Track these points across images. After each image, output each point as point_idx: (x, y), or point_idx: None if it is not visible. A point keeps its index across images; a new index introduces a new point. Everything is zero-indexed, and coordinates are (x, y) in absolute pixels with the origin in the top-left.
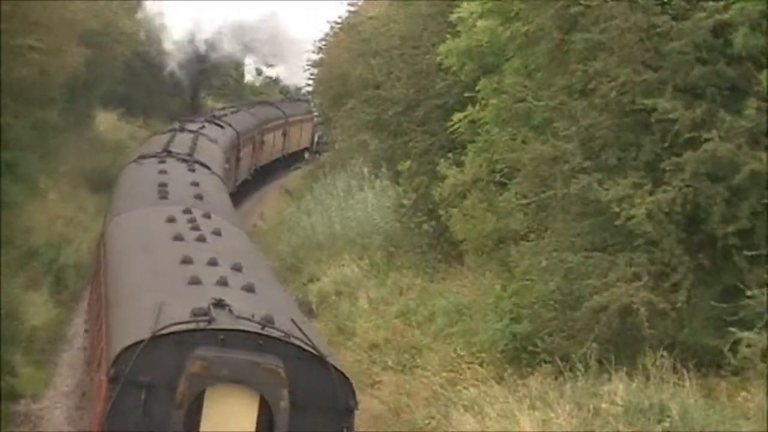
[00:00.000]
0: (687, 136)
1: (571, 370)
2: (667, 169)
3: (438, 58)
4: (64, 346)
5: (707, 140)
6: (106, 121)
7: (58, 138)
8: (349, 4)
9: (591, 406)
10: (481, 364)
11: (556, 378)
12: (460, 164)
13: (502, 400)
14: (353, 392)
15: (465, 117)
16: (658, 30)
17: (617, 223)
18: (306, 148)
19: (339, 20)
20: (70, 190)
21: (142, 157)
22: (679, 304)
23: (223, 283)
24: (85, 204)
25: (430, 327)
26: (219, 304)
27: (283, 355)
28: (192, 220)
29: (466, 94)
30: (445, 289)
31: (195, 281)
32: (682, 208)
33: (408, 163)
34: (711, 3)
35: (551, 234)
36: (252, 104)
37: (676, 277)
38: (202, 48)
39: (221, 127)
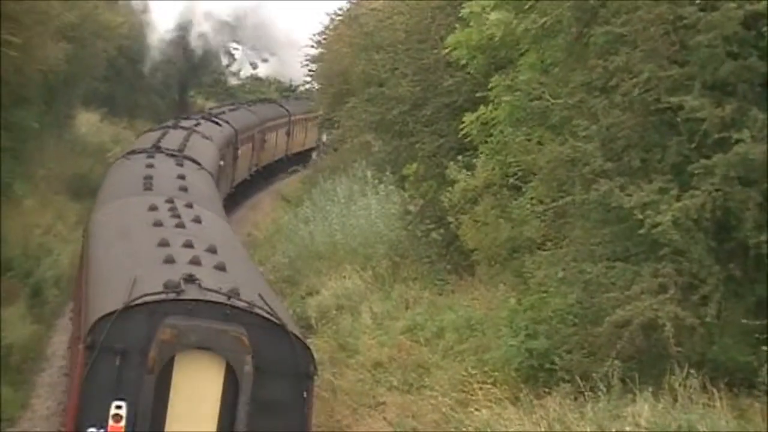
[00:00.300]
0: (716, 136)
1: (591, 389)
2: (696, 172)
3: (445, 51)
4: (43, 365)
5: (738, 141)
6: (87, 122)
7: (35, 140)
8: None
9: (614, 429)
10: (494, 384)
11: (575, 398)
12: (471, 167)
13: (517, 423)
14: (313, 359)
15: (477, 118)
16: (685, 22)
17: (641, 231)
18: (312, 148)
19: (339, 12)
20: (49, 196)
21: (131, 152)
22: (708, 319)
23: (196, 262)
24: (65, 211)
25: (438, 344)
26: (189, 278)
27: (247, 324)
28: (173, 209)
29: (477, 93)
30: (455, 303)
31: (169, 260)
32: (712, 215)
33: (414, 166)
34: None
35: (570, 243)
36: (253, 102)
37: (705, 289)
38: (192, 41)
39: (218, 124)
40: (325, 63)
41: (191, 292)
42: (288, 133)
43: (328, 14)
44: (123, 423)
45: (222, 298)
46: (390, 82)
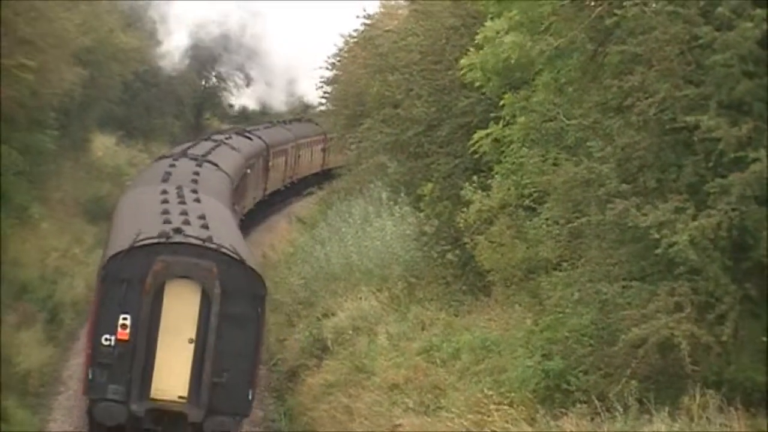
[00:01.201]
0: (733, 155)
1: (608, 410)
2: (712, 191)
3: (460, 73)
4: (59, 388)
5: (755, 160)
6: (103, 145)
7: (51, 164)
8: (365, 17)
9: None
10: (510, 405)
11: (592, 419)
12: (486, 188)
13: None
14: (264, 285)
15: (487, 135)
16: (701, 42)
17: (657, 250)
18: None
19: (354, 34)
20: (65, 219)
21: (160, 158)
22: (725, 338)
23: (185, 222)
24: (82, 235)
25: (454, 365)
26: (177, 230)
27: (217, 260)
28: (179, 193)
29: (492, 114)
30: (471, 324)
31: (166, 221)
32: (728, 234)
33: (430, 187)
34: (758, 12)
35: (585, 263)
36: (289, 120)
37: (721, 308)
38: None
39: (249, 138)
40: (340, 85)
41: (177, 238)
42: (324, 150)
43: (342, 36)
44: (128, 330)
45: (198, 242)
46: (405, 103)
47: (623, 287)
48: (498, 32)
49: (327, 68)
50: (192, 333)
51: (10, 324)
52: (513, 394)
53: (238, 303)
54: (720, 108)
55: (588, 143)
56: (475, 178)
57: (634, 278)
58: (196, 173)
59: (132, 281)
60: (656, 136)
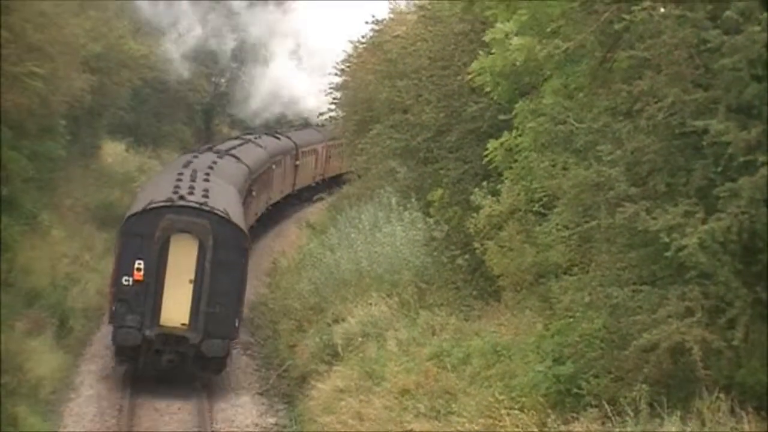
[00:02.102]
0: (742, 159)
1: (619, 414)
2: (721, 195)
3: (468, 77)
4: (70, 394)
5: (764, 164)
6: (113, 151)
7: (61, 171)
8: (374, 23)
9: None
10: (521, 410)
11: (603, 423)
12: (495, 193)
13: None
14: (247, 239)
15: (501, 144)
16: (709, 46)
17: (667, 254)
18: None
19: (363, 40)
20: (76, 226)
21: (188, 152)
22: (735, 342)
23: (190, 193)
24: (92, 241)
25: (465, 370)
26: (181, 197)
27: (210, 219)
28: (193, 176)
29: (501, 117)
30: (482, 329)
31: (175, 191)
32: (738, 237)
33: (439, 192)
34: (766, 15)
35: (596, 267)
36: (322, 124)
37: (732, 312)
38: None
39: (278, 139)
40: (349, 90)
41: (180, 202)
42: None
43: (351, 41)
44: (142, 273)
45: (196, 205)
46: (414, 108)
47: (633, 291)
48: (507, 34)
49: (336, 74)
50: (191, 275)
51: (20, 331)
52: (524, 399)
53: (226, 252)
54: (729, 112)
55: (597, 147)
56: (484, 183)
57: (645, 282)
58: (215, 163)
59: (145, 235)
60: (666, 140)
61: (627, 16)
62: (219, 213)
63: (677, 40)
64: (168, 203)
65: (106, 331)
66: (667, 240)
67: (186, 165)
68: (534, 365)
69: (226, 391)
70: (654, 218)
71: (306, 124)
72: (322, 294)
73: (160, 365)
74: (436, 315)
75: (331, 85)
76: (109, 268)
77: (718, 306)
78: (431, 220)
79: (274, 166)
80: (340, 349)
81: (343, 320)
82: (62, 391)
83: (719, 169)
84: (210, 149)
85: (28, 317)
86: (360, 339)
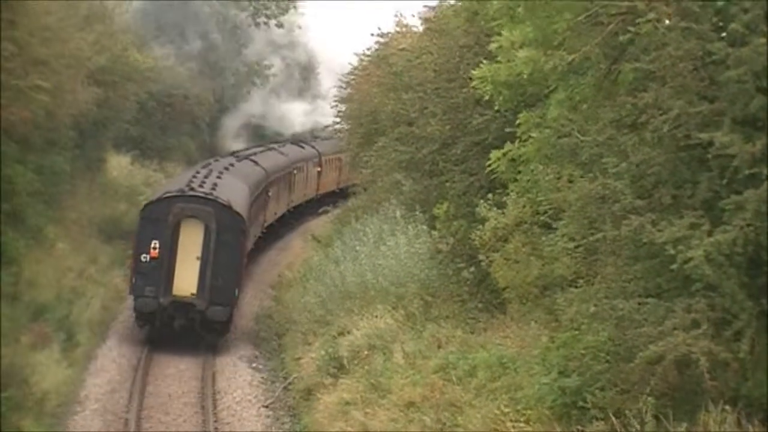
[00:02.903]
0: (747, 172)
1: (625, 427)
2: (727, 207)
3: (471, 85)
4: (76, 408)
5: None
6: (118, 165)
7: (66, 184)
8: (379, 36)
9: None
10: (527, 422)
11: None
12: (501, 205)
13: None
14: (245, 222)
15: (504, 155)
16: (714, 58)
17: (673, 266)
18: None
19: (368, 52)
20: (81, 240)
21: (216, 159)
22: (741, 354)
23: (200, 186)
24: (97, 255)
25: (471, 382)
26: (191, 188)
27: (214, 206)
28: (207, 174)
29: (507, 130)
30: (487, 341)
31: (188, 185)
32: (744, 250)
33: (445, 205)
34: None
35: (601, 279)
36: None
37: (738, 325)
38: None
39: (302, 147)
40: (354, 103)
41: (189, 193)
42: None
43: (356, 54)
44: (157, 251)
45: (202, 195)
46: (419, 121)
47: (639, 303)
48: (513, 43)
49: (341, 87)
50: (198, 253)
51: (26, 344)
52: (529, 412)
53: (227, 234)
54: (734, 124)
55: (603, 160)
56: (490, 195)
57: (650, 294)
58: (231, 165)
59: (159, 220)
60: (671, 153)
61: (632, 29)
62: (222, 202)
63: (682, 53)
64: (179, 193)
65: (111, 344)
66: (672, 252)
67: (205, 166)
68: (540, 378)
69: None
70: (659, 230)
71: (332, 134)
72: (327, 307)
73: (173, 328)
74: (441, 327)
75: (336, 98)
76: (116, 280)
77: (724, 318)
78: (436, 233)
79: (295, 171)
80: (345, 362)
81: (349, 333)
82: (68, 405)
83: (724, 181)
84: (232, 154)
85: (34, 331)
86: (366, 352)
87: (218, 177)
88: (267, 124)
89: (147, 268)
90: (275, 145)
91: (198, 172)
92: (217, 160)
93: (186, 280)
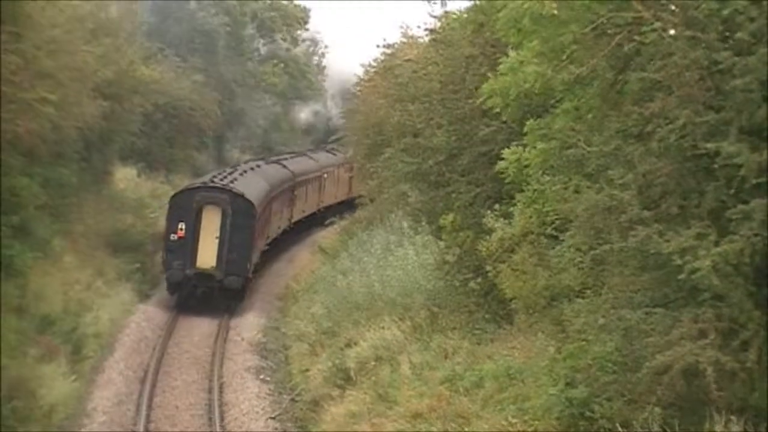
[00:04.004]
0: (754, 181)
1: None
2: (734, 217)
3: (480, 99)
4: (83, 420)
5: None
6: (125, 177)
7: (73, 197)
8: (385, 47)
9: None
10: None
11: None
12: (507, 216)
13: None
14: (255, 208)
15: (516, 159)
16: (720, 67)
17: (680, 276)
18: None
19: (373, 64)
20: (88, 252)
21: (248, 161)
22: (749, 364)
23: (221, 180)
24: (104, 267)
25: (478, 393)
26: (212, 181)
27: (230, 195)
28: (233, 172)
29: (514, 143)
30: (494, 352)
31: (210, 179)
32: (751, 260)
33: (451, 216)
34: None
35: (608, 290)
36: None
37: (745, 335)
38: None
39: (333, 154)
40: (360, 114)
41: (210, 184)
42: None
43: (362, 65)
44: (183, 231)
45: (220, 186)
46: (425, 132)
47: (646, 314)
48: (522, 62)
49: (347, 98)
50: (217, 233)
51: (33, 357)
52: (537, 423)
53: (240, 217)
54: (740, 133)
55: (609, 170)
56: (496, 206)
57: (658, 305)
58: (258, 166)
59: (185, 206)
60: (677, 163)
61: (638, 38)
62: (236, 191)
63: (688, 62)
64: (201, 185)
65: (118, 356)
66: (679, 262)
67: (234, 166)
68: (547, 388)
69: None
70: (666, 241)
71: None
72: (334, 318)
73: (196, 295)
74: (448, 338)
75: (343, 110)
76: (124, 292)
77: (731, 328)
78: (443, 244)
79: (325, 175)
80: (352, 373)
81: (356, 344)
82: (75, 418)
83: (731, 191)
84: (263, 158)
85: (41, 343)
86: (373, 363)
87: (240, 175)
88: (273, 135)
89: (175, 245)
90: (308, 152)
91: (225, 171)
92: (246, 163)
93: (207, 255)
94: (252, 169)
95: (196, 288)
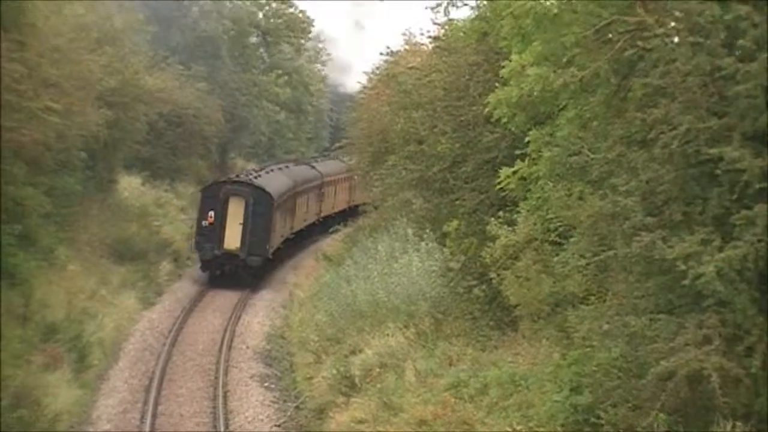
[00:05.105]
0: (757, 186)
1: None
2: (737, 223)
3: (487, 110)
4: (88, 429)
5: None
6: (129, 185)
7: (77, 205)
8: (388, 54)
9: None
10: None
11: None
12: (511, 223)
13: None
14: (273, 199)
15: (514, 173)
16: (723, 73)
17: (684, 282)
18: None
19: (377, 71)
20: (92, 261)
21: (277, 162)
22: (753, 369)
23: (246, 176)
24: (108, 276)
25: (483, 400)
26: (237, 176)
27: (251, 188)
28: (260, 170)
29: (517, 151)
30: (499, 359)
31: (236, 175)
32: (755, 265)
33: (455, 223)
34: None
35: (613, 296)
36: None
37: (749, 340)
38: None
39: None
40: (364, 122)
41: (234, 179)
42: None
43: (365, 73)
44: (212, 218)
45: (244, 180)
46: (429, 139)
47: (651, 320)
48: (523, 66)
49: (351, 107)
50: (241, 219)
51: (37, 365)
52: (542, 429)
53: (260, 206)
54: (744, 139)
55: (613, 177)
56: (500, 213)
57: (662, 311)
58: (286, 166)
59: (215, 197)
60: (681, 169)
61: (641, 44)
62: (256, 185)
63: (691, 68)
64: (227, 179)
65: (123, 365)
66: (684, 268)
67: (263, 166)
68: (551, 395)
69: None
70: (670, 247)
71: None
72: (338, 325)
73: (223, 271)
74: (453, 345)
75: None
76: (128, 300)
77: (736, 334)
78: (447, 251)
79: (356, 177)
80: (357, 381)
81: (361, 351)
82: (79, 426)
83: (735, 196)
84: (295, 161)
85: (45, 352)
86: (377, 370)
87: (266, 173)
88: (278, 142)
89: (206, 230)
90: (340, 156)
91: (253, 169)
92: (277, 163)
93: (232, 238)
94: (280, 168)
95: (223, 266)
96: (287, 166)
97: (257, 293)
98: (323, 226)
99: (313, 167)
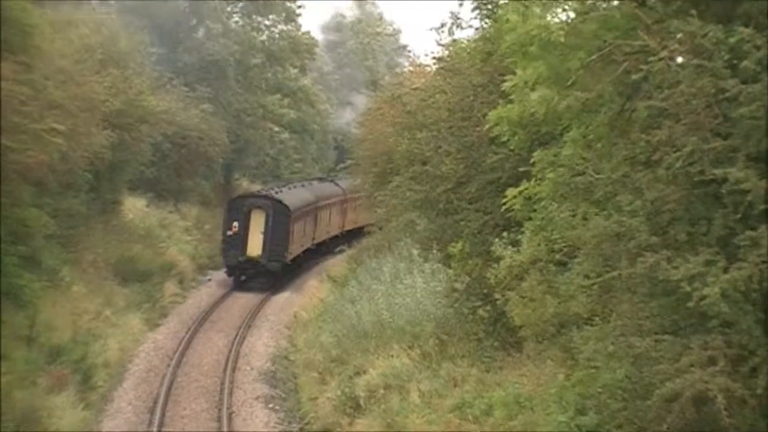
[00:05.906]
0: (762, 207)
1: None
2: (742, 244)
3: (487, 126)
4: None
5: None
6: (134, 206)
7: (82, 226)
8: (393, 75)
9: None
10: None
11: None
12: (516, 244)
13: None
14: (290, 211)
15: (520, 193)
16: (727, 95)
17: (689, 303)
18: None
19: (381, 92)
20: (97, 282)
21: (303, 180)
22: (759, 390)
23: (269, 190)
24: (113, 297)
25: (487, 421)
26: (259, 191)
27: (272, 201)
28: (283, 186)
29: (521, 169)
30: (504, 380)
31: (259, 191)
32: (760, 286)
33: (460, 243)
34: None
35: (617, 317)
36: None
37: (754, 361)
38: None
39: None
40: (369, 142)
41: (256, 193)
42: None
43: (370, 94)
44: (236, 228)
45: (265, 194)
46: (434, 160)
47: (656, 341)
48: (526, 82)
49: (355, 127)
50: (262, 229)
51: (43, 387)
52: None
53: (279, 218)
54: (748, 160)
55: (617, 197)
56: (505, 234)
57: (667, 331)
58: (310, 183)
59: (239, 209)
60: (685, 190)
61: (645, 66)
62: (275, 198)
63: (695, 89)
64: (250, 194)
65: (128, 386)
66: (688, 289)
67: (287, 183)
68: (556, 416)
69: None
70: (675, 268)
71: None
72: (343, 346)
73: (247, 275)
74: (457, 366)
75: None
76: (133, 322)
77: (741, 354)
78: (452, 272)
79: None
80: (362, 402)
81: (365, 372)
82: None
83: (739, 217)
84: (321, 178)
85: (50, 373)
86: (382, 391)
87: (288, 189)
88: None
89: (231, 239)
90: None
91: (277, 185)
92: (304, 178)
93: (254, 246)
94: (303, 185)
95: (246, 270)
96: (311, 183)
97: (262, 313)
98: (346, 238)
99: (337, 184)
